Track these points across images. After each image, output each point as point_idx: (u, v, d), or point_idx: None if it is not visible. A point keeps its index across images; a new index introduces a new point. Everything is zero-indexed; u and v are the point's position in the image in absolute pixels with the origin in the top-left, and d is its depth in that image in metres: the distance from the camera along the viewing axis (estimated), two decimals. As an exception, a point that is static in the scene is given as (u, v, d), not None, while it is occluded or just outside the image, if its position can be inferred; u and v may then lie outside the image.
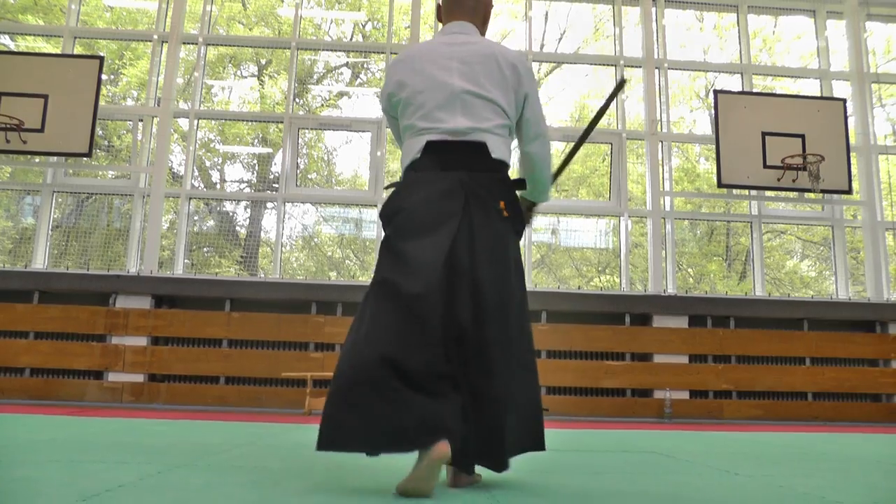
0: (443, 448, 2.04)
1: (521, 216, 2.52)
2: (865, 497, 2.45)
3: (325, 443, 2.15)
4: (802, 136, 8.29)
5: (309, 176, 9.58)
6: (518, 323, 2.39)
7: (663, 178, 8.72)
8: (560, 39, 10.13)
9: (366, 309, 2.28)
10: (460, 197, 2.33)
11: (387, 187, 2.66)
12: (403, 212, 2.36)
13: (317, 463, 3.00)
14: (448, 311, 2.22)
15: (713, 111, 8.57)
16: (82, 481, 2.27)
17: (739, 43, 9.29)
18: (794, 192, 8.49)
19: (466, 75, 2.45)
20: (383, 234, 2.45)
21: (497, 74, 2.47)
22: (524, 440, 2.40)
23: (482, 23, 2.72)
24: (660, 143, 8.77)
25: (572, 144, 2.94)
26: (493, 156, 2.41)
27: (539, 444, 2.46)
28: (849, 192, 8.37)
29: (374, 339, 2.17)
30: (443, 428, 2.08)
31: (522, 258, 2.67)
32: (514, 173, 2.57)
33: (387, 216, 2.44)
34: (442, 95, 2.42)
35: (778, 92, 9.24)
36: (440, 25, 2.74)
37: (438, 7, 2.73)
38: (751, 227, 8.80)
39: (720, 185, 8.29)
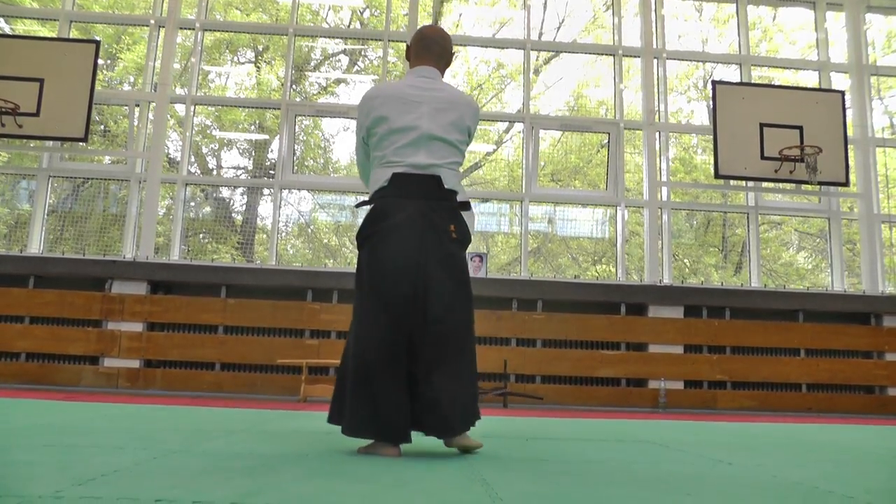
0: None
1: (467, 234, 3.06)
2: (858, 486, 2.46)
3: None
4: (800, 128, 8.29)
5: (305, 163, 9.56)
6: (465, 325, 2.97)
7: (660, 168, 8.72)
8: (558, 28, 10.10)
9: (355, 315, 2.92)
10: (421, 224, 2.88)
11: (358, 205, 3.21)
12: (377, 234, 2.89)
13: (313, 449, 3.00)
14: (415, 314, 2.80)
15: (711, 102, 8.56)
16: (78, 466, 2.27)
17: (738, 34, 9.28)
18: (792, 184, 8.50)
19: (434, 120, 2.97)
20: (358, 247, 3.00)
21: (459, 120, 3.04)
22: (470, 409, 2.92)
23: (444, 67, 3.25)
24: (657, 134, 8.76)
25: None
26: (446, 186, 2.96)
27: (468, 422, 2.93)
28: (846, 184, 8.38)
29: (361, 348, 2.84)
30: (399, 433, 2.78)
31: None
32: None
33: (363, 237, 2.96)
34: (412, 136, 2.93)
35: (776, 83, 9.23)
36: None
37: (408, 48, 3.23)
38: (747, 218, 8.81)
39: (717, 175, 8.29)
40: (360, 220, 8.95)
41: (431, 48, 3.18)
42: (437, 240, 2.89)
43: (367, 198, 3.04)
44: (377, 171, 2.97)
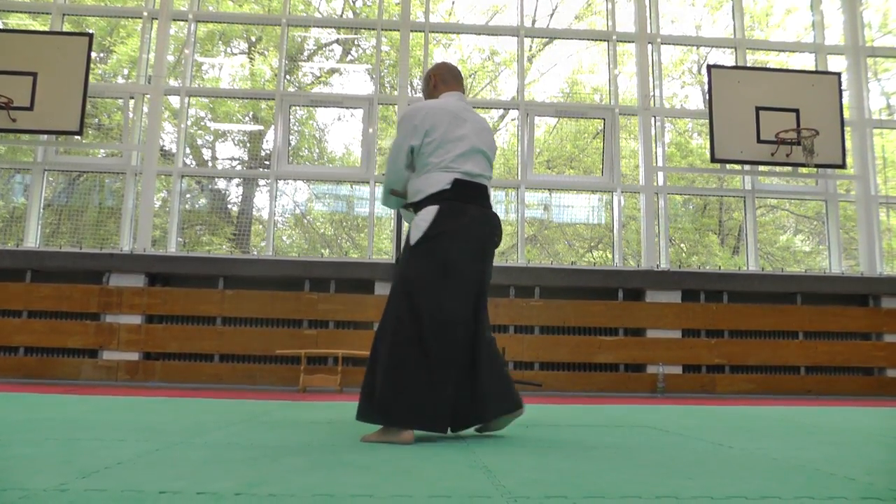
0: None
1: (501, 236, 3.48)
2: (859, 469, 2.47)
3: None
4: (797, 111, 8.28)
5: (301, 153, 9.54)
6: None
7: (656, 153, 8.71)
8: (552, 15, 10.06)
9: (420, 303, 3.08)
10: (483, 227, 3.28)
11: (408, 205, 3.45)
12: (447, 234, 3.16)
13: (314, 439, 3.01)
14: (474, 316, 3.18)
15: (706, 87, 8.54)
16: (81, 459, 2.27)
17: (733, 17, 9.24)
18: (788, 167, 8.49)
19: (478, 136, 3.37)
20: (420, 243, 3.16)
21: (492, 143, 3.48)
22: None
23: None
24: (653, 119, 8.74)
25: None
26: (489, 196, 3.40)
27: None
28: (843, 166, 8.37)
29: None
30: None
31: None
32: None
33: (433, 234, 3.15)
34: (464, 146, 3.28)
35: (772, 66, 9.21)
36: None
37: (432, 76, 3.59)
38: (744, 202, 8.80)
39: (713, 159, 8.28)
40: (356, 210, 8.98)
41: (459, 79, 3.60)
42: (490, 241, 3.35)
43: (407, 199, 3.38)
44: (433, 175, 3.25)
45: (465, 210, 3.23)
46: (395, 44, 9.08)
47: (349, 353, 7.20)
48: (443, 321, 3.04)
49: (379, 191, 8.39)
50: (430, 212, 3.20)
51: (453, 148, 3.27)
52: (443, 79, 3.56)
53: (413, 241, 3.19)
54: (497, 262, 8.32)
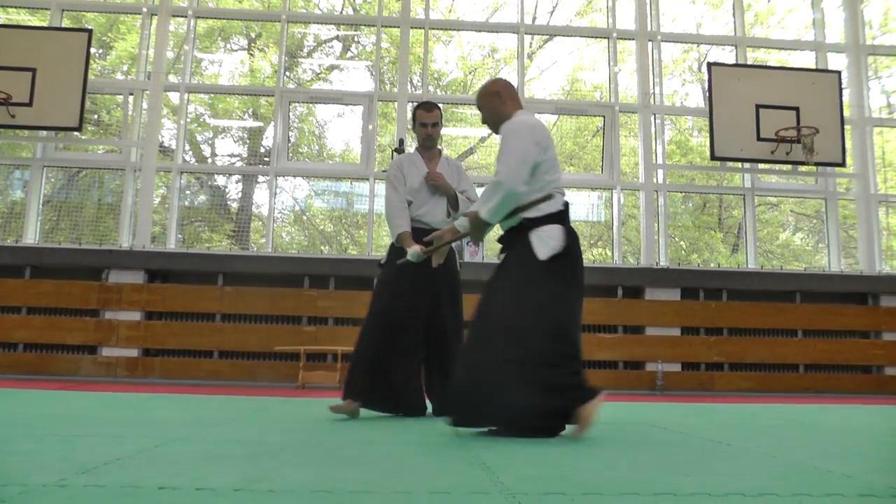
0: None
1: None
2: (857, 466, 2.47)
3: None
4: (797, 109, 8.26)
5: (300, 150, 9.54)
6: None
7: (656, 150, 8.70)
8: (552, 12, 10.06)
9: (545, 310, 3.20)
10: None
11: (545, 220, 3.31)
12: (572, 255, 3.28)
13: (313, 435, 3.01)
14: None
15: (706, 84, 8.53)
16: (80, 454, 2.28)
17: (734, 15, 9.23)
18: (788, 165, 8.49)
19: None
20: (553, 259, 3.21)
21: None
22: None
23: None
24: (653, 116, 8.73)
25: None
26: None
27: None
28: (842, 164, 8.37)
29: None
30: None
31: None
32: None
33: (564, 255, 3.22)
34: (559, 169, 3.40)
35: (772, 65, 9.19)
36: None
37: (501, 93, 3.47)
38: (744, 199, 8.79)
39: (713, 157, 8.27)
40: (356, 206, 8.97)
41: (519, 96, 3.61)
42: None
43: (529, 214, 3.31)
44: (549, 194, 3.28)
45: (576, 235, 3.36)
46: (395, 40, 9.07)
47: (348, 349, 7.18)
48: (569, 332, 3.27)
49: (378, 188, 8.39)
50: (557, 230, 3.27)
51: (558, 168, 3.38)
52: (511, 95, 3.53)
53: (543, 256, 3.21)
54: (496, 258, 8.31)
